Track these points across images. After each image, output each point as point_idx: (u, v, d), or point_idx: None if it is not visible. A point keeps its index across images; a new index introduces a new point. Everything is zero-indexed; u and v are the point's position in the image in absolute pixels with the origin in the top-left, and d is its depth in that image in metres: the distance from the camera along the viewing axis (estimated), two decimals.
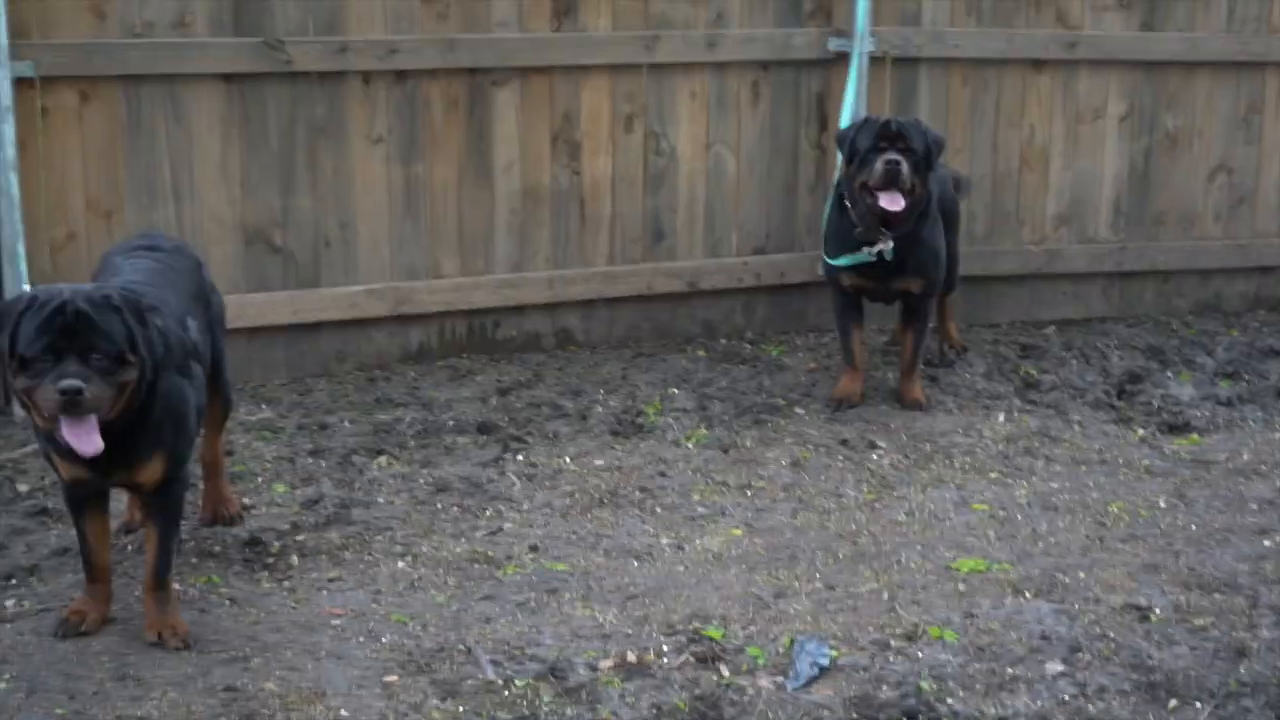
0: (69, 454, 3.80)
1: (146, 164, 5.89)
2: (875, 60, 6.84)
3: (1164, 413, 6.10)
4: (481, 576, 4.56)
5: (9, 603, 4.30)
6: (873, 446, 5.69)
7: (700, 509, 5.13)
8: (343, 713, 3.73)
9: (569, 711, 3.76)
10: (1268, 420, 6.05)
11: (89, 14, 5.73)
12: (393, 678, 3.91)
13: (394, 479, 5.27)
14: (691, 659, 4.01)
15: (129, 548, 4.59)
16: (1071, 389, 6.37)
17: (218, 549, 4.65)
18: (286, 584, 4.46)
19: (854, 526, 4.99)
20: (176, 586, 4.23)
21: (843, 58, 6.84)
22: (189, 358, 4.15)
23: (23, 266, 5.55)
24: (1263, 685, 3.85)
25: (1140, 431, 5.93)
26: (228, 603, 4.32)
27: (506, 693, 3.84)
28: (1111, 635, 4.13)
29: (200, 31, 5.89)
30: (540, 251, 6.62)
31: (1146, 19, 7.30)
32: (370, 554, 4.69)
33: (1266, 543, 4.79)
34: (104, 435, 3.75)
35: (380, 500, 5.10)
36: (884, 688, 3.86)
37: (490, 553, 4.72)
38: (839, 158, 6.19)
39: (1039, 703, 3.79)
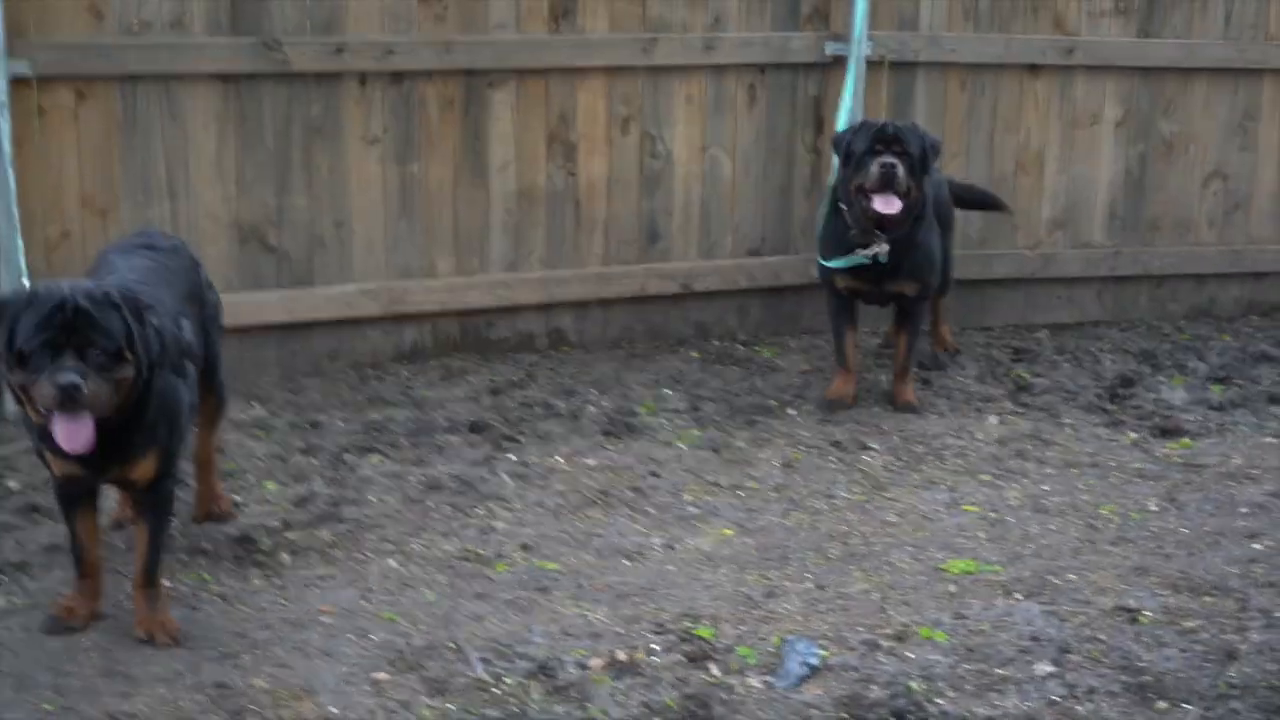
0: (62, 450, 3.80)
1: (142, 162, 5.88)
2: (872, 64, 6.84)
3: (1156, 416, 6.10)
4: (472, 575, 4.57)
5: None
6: (865, 448, 5.70)
7: (692, 509, 5.13)
8: (332, 710, 3.74)
9: (559, 709, 3.76)
10: (1259, 425, 6.06)
11: (86, 13, 5.72)
12: (382, 675, 3.91)
13: (385, 477, 5.27)
14: (682, 658, 4.02)
15: (119, 544, 4.59)
16: (1064, 392, 6.38)
17: (208, 546, 4.65)
18: (277, 581, 4.46)
19: (845, 527, 5.00)
20: (167, 583, 4.24)
21: (840, 61, 6.85)
22: (183, 356, 4.16)
23: (21, 262, 5.55)
24: (1252, 687, 3.85)
25: (1132, 435, 5.93)
26: (218, 600, 4.32)
27: (496, 690, 3.85)
28: (1101, 637, 4.13)
29: (197, 31, 5.89)
30: (535, 252, 6.62)
31: (1144, 25, 7.31)
32: (361, 552, 4.69)
33: (1256, 546, 4.80)
34: (98, 432, 3.76)
35: (371, 498, 5.10)
36: (873, 688, 3.86)
37: (481, 551, 4.73)
38: (834, 161, 6.20)
39: (1028, 703, 3.80)
